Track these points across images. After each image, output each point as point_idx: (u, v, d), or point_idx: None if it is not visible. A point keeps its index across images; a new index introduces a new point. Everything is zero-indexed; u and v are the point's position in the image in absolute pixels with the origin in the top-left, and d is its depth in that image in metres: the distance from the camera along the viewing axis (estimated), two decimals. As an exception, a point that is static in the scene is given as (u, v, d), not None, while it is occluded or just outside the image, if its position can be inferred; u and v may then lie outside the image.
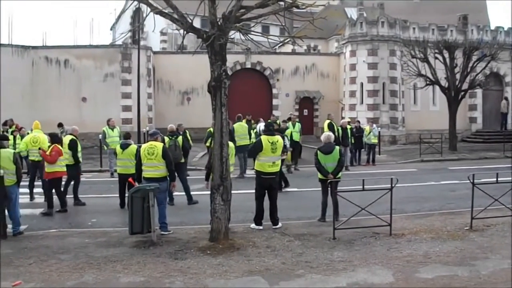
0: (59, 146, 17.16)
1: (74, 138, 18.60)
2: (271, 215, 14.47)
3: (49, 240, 13.65)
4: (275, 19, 13.59)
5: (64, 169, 17.56)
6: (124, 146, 17.37)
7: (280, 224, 14.44)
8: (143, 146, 14.51)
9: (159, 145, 14.26)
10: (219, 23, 12.21)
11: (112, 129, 25.24)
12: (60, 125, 27.34)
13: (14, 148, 21.00)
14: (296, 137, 26.71)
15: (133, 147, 17.39)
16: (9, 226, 14.35)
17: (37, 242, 13.49)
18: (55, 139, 17.49)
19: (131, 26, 58.88)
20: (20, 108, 36.38)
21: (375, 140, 30.19)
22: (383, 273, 10.50)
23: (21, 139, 22.45)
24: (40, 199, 19.36)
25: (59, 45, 41.95)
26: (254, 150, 14.71)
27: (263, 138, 14.68)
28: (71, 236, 14.12)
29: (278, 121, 27.32)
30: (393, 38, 40.67)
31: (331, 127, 26.18)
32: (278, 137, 14.74)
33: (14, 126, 26.17)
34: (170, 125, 19.51)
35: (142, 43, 39.03)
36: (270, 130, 14.98)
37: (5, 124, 27.22)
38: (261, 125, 24.93)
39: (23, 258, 12.03)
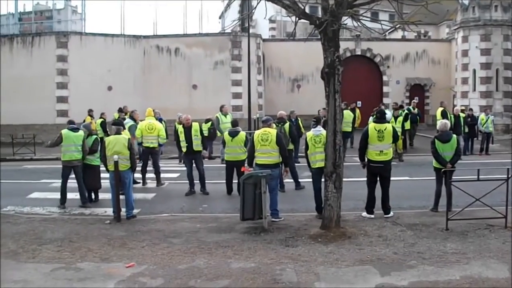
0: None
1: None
2: (383, 204, 14.25)
3: (161, 224, 13.96)
4: (384, 5, 13.36)
5: None
6: (233, 134, 17.32)
7: (391, 213, 14.20)
8: (257, 132, 14.55)
9: (273, 131, 14.28)
10: (332, 8, 12.07)
11: (225, 116, 25.48)
12: (120, 110, 27.95)
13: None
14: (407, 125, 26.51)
15: (242, 134, 17.41)
16: (123, 209, 14.78)
17: (149, 226, 13.83)
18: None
19: (239, 14, 59.29)
20: (133, 96, 37.43)
21: (491, 129, 29.17)
22: (498, 267, 10.14)
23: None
24: (152, 184, 19.85)
25: (169, 34, 42.83)
26: (362, 138, 14.52)
27: (370, 126, 14.47)
28: (182, 220, 14.38)
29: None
30: (507, 23, 38.95)
31: (444, 115, 25.64)
32: (386, 125, 14.42)
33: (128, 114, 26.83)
34: (280, 112, 19.50)
35: (251, 30, 39.23)
36: (378, 118, 14.73)
37: (120, 110, 27.92)
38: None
39: (136, 241, 12.37)
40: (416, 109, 30.67)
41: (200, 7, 77.07)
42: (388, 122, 15.20)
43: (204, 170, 18.18)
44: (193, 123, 18.08)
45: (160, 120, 23.57)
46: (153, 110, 22.22)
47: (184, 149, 18.11)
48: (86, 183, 16.63)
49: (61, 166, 16.72)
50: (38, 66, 37.96)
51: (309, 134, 14.74)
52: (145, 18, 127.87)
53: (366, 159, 14.37)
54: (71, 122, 17.41)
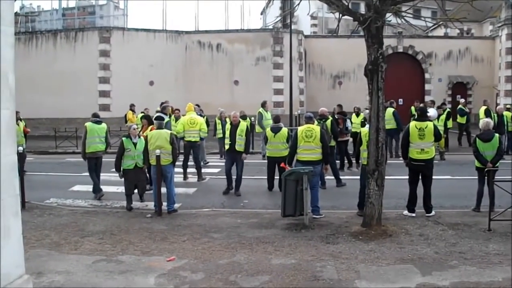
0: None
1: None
2: (424, 202, 14.15)
3: (201, 219, 14.06)
4: (426, 2, 13.27)
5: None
6: (275, 130, 17.30)
7: (433, 212, 14.08)
8: (300, 128, 14.55)
9: (317, 128, 14.31)
10: (375, 5, 12.01)
11: (267, 112, 25.50)
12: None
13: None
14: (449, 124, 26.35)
15: (285, 130, 17.39)
16: (164, 204, 14.90)
17: (190, 220, 13.93)
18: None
19: (281, 10, 59.23)
20: (174, 91, 37.68)
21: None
22: (541, 269, 10.00)
23: (175, 121, 23.10)
24: (193, 178, 19.97)
25: (211, 30, 43.17)
26: (403, 136, 14.51)
27: (411, 124, 14.41)
28: (223, 216, 14.46)
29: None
30: (551, 20, 38.58)
31: (488, 114, 25.40)
32: (427, 123, 14.29)
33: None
34: (321, 109, 19.46)
35: (292, 27, 39.09)
36: (419, 115, 14.64)
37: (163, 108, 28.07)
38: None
39: (177, 235, 12.47)
40: (466, 108, 30.29)
41: (241, 3, 77.37)
42: (430, 120, 15.08)
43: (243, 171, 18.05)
44: (241, 122, 17.83)
45: (201, 116, 23.68)
46: (195, 105, 22.40)
47: (227, 146, 17.80)
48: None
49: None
50: (81, 61, 38.50)
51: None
52: (186, 14, 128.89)
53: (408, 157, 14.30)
54: (95, 115, 17.72)
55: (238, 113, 18.50)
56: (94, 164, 17.09)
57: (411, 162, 14.20)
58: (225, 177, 17.93)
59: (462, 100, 32.69)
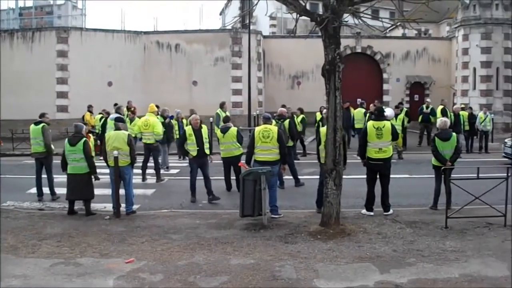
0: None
1: None
2: (382, 201, 14.31)
3: (160, 220, 14.02)
4: (384, 3, 13.38)
5: None
6: (224, 130, 17.33)
7: (391, 211, 14.25)
8: (257, 129, 14.56)
9: (274, 128, 14.32)
10: (333, 5, 12.07)
11: (225, 112, 25.43)
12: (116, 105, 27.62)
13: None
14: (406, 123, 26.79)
15: (233, 129, 17.42)
16: (123, 205, 14.83)
17: (149, 222, 13.89)
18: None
19: (240, 10, 59.30)
20: (133, 92, 37.39)
21: (489, 127, 29.22)
22: (497, 265, 10.16)
23: (130, 122, 23.10)
24: (152, 180, 19.88)
25: (170, 30, 43.12)
26: (361, 136, 14.67)
27: (369, 123, 14.57)
28: (182, 217, 14.45)
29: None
30: (508, 21, 38.85)
31: (444, 113, 25.77)
32: (385, 123, 14.47)
33: (132, 109, 26.89)
34: (280, 109, 19.54)
35: (251, 27, 39.16)
36: (376, 115, 14.77)
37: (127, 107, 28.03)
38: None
39: (136, 237, 12.41)
40: (429, 108, 30.54)
41: (201, 4, 77.07)
42: (388, 120, 15.21)
43: None
44: (203, 125, 17.08)
45: (171, 118, 23.66)
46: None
47: (194, 153, 16.52)
48: None
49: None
50: (38, 61, 37.98)
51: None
52: (145, 14, 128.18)
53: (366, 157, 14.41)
54: (40, 115, 17.84)
55: (198, 116, 18.06)
56: (39, 166, 17.16)
57: (369, 162, 14.33)
58: (184, 177, 17.79)
59: (429, 100, 33.09)
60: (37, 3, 79.57)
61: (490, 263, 10.30)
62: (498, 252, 10.91)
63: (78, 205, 15.19)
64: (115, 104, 26.70)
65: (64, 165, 15.13)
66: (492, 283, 9.27)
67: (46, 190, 17.15)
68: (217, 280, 9.51)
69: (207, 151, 16.81)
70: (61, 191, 16.37)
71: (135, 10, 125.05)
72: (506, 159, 23.06)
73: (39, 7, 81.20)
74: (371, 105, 26.90)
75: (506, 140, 24.52)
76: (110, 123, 21.31)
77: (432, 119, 29.55)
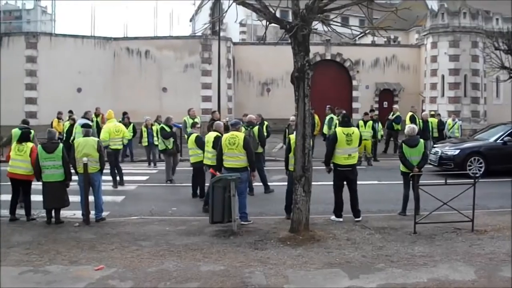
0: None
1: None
2: (353, 207, 14.36)
3: (130, 227, 13.93)
4: (354, 11, 13.47)
5: None
6: (188, 136, 17.59)
7: (361, 217, 14.32)
8: (225, 135, 14.49)
9: (241, 135, 14.26)
10: (302, 13, 12.14)
11: (193, 119, 25.38)
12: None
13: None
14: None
15: (193, 135, 17.48)
16: (92, 212, 14.72)
17: (119, 228, 13.78)
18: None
19: (210, 17, 59.30)
20: (103, 98, 37.19)
21: (458, 134, 29.52)
22: (464, 270, 10.27)
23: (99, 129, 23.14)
24: (121, 187, 19.81)
25: (140, 36, 43.11)
26: (330, 143, 14.66)
27: (338, 130, 14.57)
28: (151, 223, 14.37)
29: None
30: (475, 30, 39.55)
31: (413, 120, 26.01)
32: (354, 129, 14.57)
33: (100, 116, 26.83)
34: (249, 115, 19.59)
35: (221, 34, 39.20)
36: (345, 122, 14.86)
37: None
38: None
39: (106, 244, 12.31)
40: (394, 115, 30.64)
41: (171, 10, 76.93)
42: (353, 126, 15.32)
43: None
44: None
45: (179, 126, 24.56)
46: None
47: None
48: None
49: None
50: (6, 66, 37.53)
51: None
52: (116, 20, 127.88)
53: (331, 164, 14.47)
54: (24, 121, 17.45)
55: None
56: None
57: (338, 168, 14.34)
58: (153, 184, 17.78)
59: (397, 107, 33.29)
60: (6, 8, 78.98)
61: (458, 267, 10.40)
62: (466, 257, 11.04)
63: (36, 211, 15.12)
64: (86, 113, 26.64)
65: (39, 173, 14.69)
66: (460, 287, 9.37)
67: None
68: (187, 286, 9.49)
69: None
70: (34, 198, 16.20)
71: (105, 15, 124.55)
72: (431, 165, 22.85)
73: (7, 11, 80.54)
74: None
75: (434, 145, 24.71)
76: (78, 129, 21.21)
77: (396, 126, 29.80)
